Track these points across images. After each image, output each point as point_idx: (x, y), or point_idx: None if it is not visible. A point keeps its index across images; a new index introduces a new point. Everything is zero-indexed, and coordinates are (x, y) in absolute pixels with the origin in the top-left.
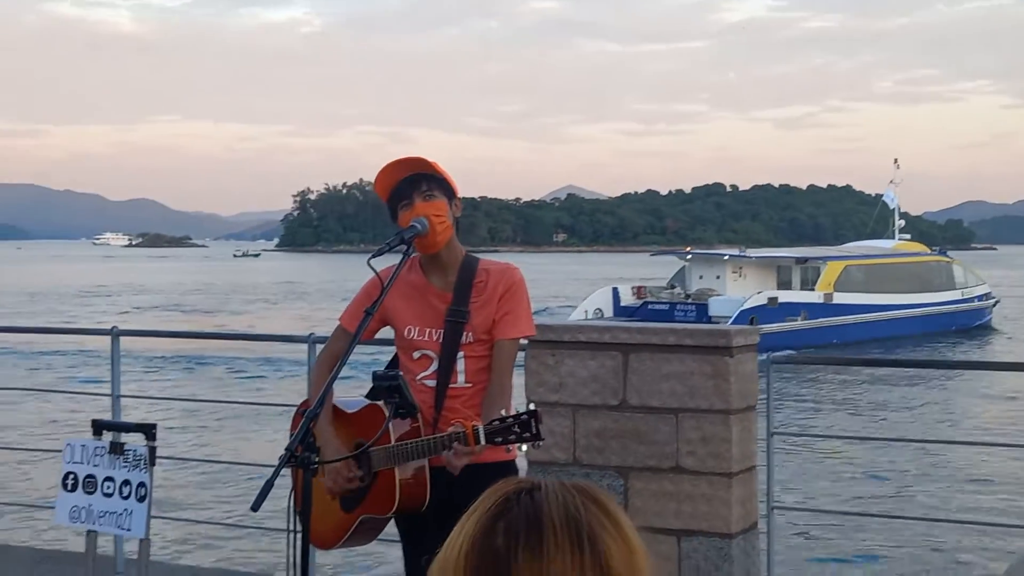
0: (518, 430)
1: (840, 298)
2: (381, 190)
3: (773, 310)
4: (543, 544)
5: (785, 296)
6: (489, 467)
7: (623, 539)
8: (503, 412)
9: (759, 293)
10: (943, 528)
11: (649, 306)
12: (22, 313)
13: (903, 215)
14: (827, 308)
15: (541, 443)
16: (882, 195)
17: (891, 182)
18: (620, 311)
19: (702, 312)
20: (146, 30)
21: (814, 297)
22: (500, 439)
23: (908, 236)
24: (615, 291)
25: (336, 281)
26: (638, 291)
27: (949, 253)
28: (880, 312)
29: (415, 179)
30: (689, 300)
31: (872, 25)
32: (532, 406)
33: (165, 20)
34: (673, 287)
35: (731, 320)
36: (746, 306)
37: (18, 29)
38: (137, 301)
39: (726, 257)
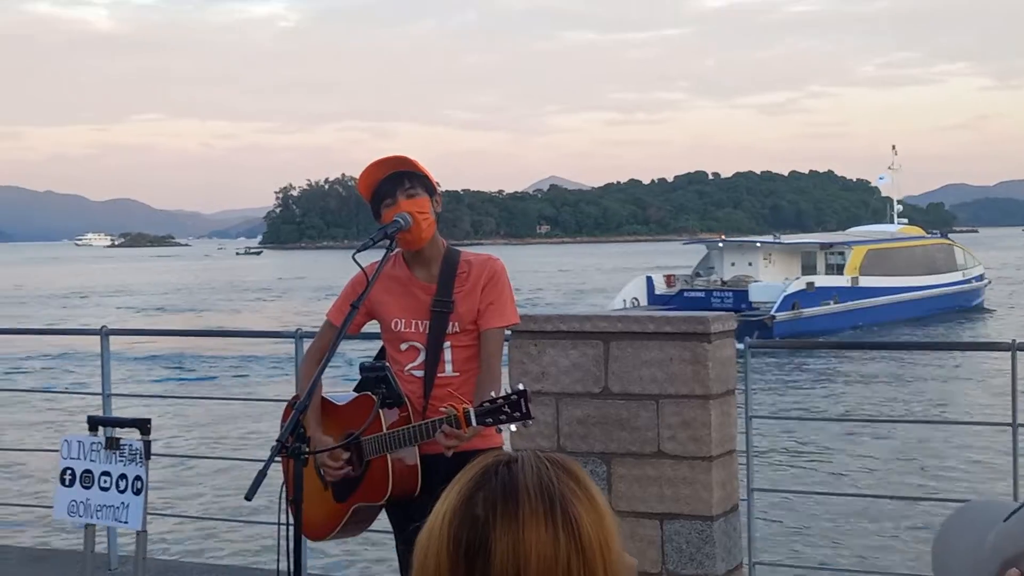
0: (508, 410)
1: (864, 282)
2: (364, 189)
3: (811, 294)
4: (519, 512)
5: (820, 281)
6: (479, 453)
7: (593, 506)
8: (492, 394)
9: (797, 279)
10: (918, 505)
11: (685, 294)
12: (34, 317)
13: (886, 199)
14: (854, 291)
15: (531, 421)
16: (866, 180)
17: (889, 167)
18: (655, 300)
19: (740, 298)
20: (125, 29)
21: (843, 281)
22: (491, 420)
23: (906, 220)
24: (649, 280)
25: (325, 278)
26: (668, 279)
27: (949, 236)
28: (899, 294)
29: (397, 177)
30: (726, 287)
31: (854, 8)
32: (521, 386)
33: (143, 18)
34: (698, 275)
35: (775, 306)
36: (788, 291)
37: None
38: (133, 302)
39: (758, 244)
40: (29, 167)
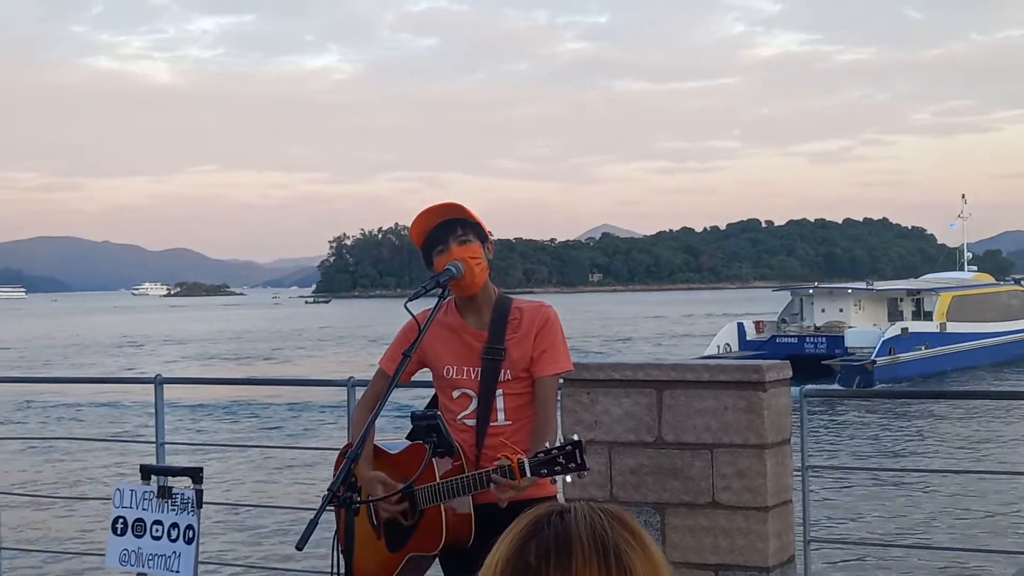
0: (563, 461)
1: (951, 327)
2: (416, 236)
3: (905, 340)
4: (572, 562)
5: (912, 327)
6: (533, 502)
7: (647, 556)
8: (547, 444)
9: (892, 325)
10: (978, 558)
11: (777, 339)
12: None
13: (942, 246)
14: (943, 337)
15: (587, 473)
16: (921, 227)
17: (959, 215)
18: (746, 345)
19: (834, 344)
20: (183, 81)
21: (932, 327)
22: (545, 471)
23: (975, 268)
24: (740, 326)
25: (374, 325)
26: (757, 326)
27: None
28: (983, 340)
29: (449, 224)
30: (819, 332)
31: (907, 57)
32: (576, 436)
33: (202, 70)
34: (783, 320)
35: (875, 351)
36: (886, 336)
37: (57, 84)
38: (191, 350)
39: (850, 291)
40: (88, 218)
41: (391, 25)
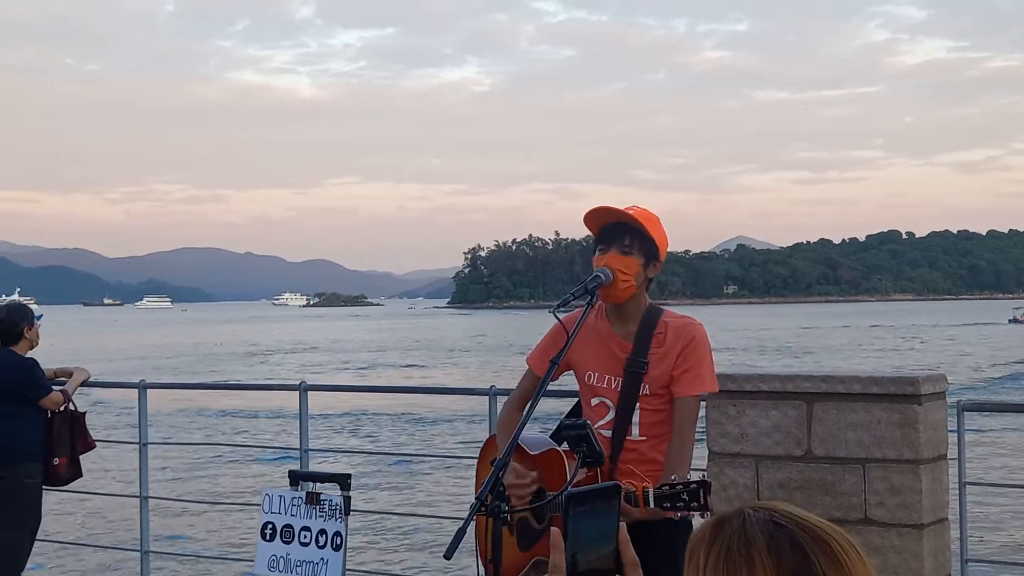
0: (686, 498)
1: None
2: (590, 224)
3: None
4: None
5: None
6: (661, 522)
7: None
8: (674, 477)
9: None
10: None
11: None
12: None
13: None
14: None
15: (709, 515)
16: None
17: None
18: None
19: None
20: (325, 95)
21: None
22: (668, 505)
23: None
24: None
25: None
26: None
27: None
28: None
29: (622, 229)
30: None
31: None
32: (705, 476)
33: (344, 84)
34: None
35: None
36: None
37: (203, 98)
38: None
39: None
40: (231, 230)
41: (530, 37)
